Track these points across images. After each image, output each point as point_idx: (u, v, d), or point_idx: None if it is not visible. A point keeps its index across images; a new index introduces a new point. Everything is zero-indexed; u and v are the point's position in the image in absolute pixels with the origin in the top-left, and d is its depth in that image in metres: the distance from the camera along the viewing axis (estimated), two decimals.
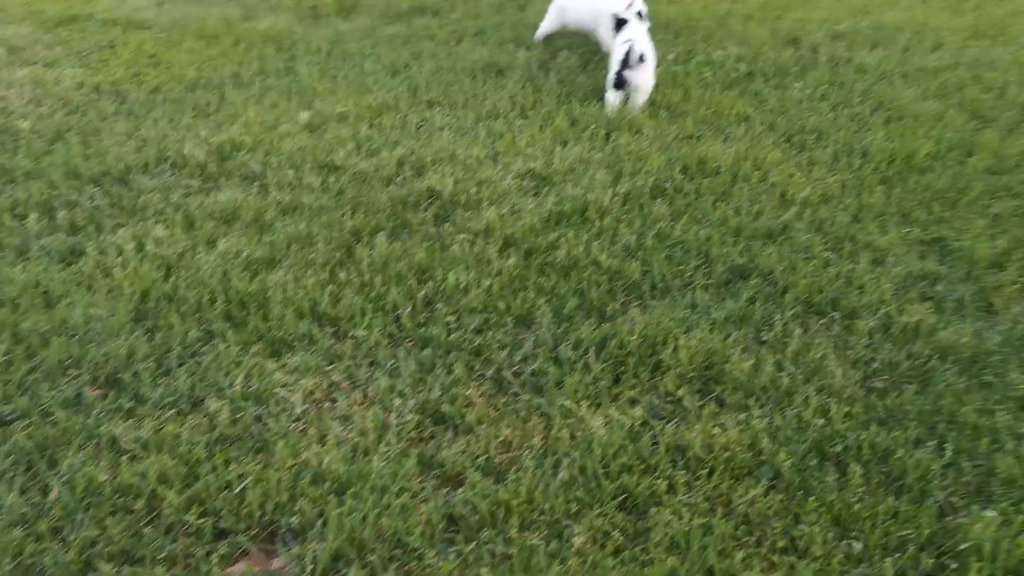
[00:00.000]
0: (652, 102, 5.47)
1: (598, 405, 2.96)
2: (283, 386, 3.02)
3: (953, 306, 3.48)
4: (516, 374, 3.13)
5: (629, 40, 5.24)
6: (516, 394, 3.03)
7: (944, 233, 3.95)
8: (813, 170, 4.57)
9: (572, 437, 2.80)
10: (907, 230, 4.01)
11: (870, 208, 4.18)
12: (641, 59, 5.21)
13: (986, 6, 7.08)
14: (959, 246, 3.83)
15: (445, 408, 2.92)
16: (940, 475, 2.65)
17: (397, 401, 2.96)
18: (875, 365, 3.18)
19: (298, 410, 2.92)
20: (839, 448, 2.75)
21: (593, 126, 5.12)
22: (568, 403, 2.93)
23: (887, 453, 2.74)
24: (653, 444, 2.77)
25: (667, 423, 2.88)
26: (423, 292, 3.52)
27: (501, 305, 3.42)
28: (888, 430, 2.83)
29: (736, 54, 6.39)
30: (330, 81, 5.99)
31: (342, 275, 3.63)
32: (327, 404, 2.97)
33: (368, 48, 6.80)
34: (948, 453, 2.73)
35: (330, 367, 3.14)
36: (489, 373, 3.12)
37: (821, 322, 3.43)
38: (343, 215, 4.13)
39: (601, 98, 5.54)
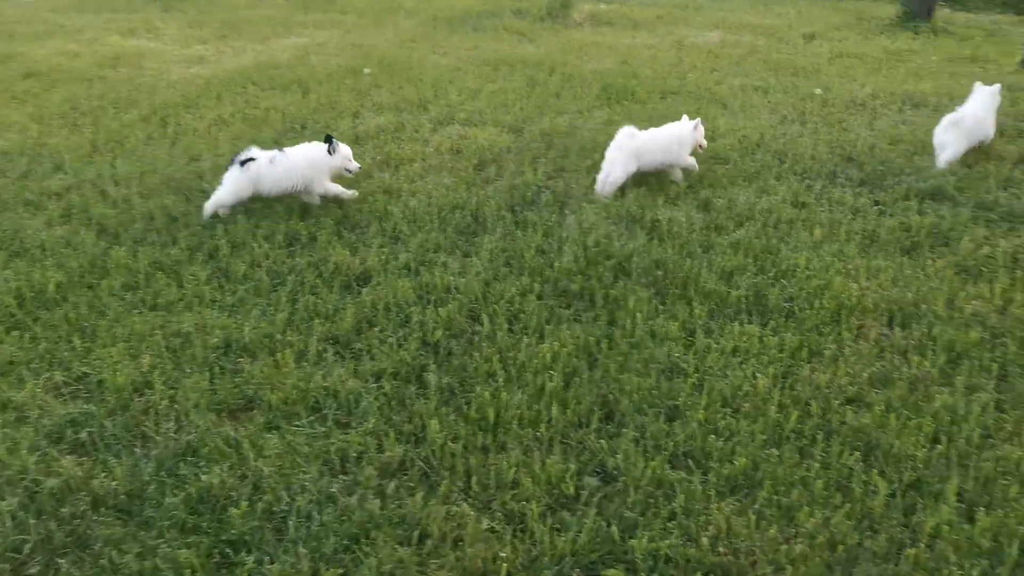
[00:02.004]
0: None
1: None
2: None
3: (105, 446, 3.29)
4: None
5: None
6: None
7: (87, 368, 3.75)
8: None
9: None
10: (48, 375, 3.69)
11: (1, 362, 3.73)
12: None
13: (103, 120, 7.24)
14: (104, 378, 3.66)
15: None
16: None
17: None
18: (27, 548, 2.77)
19: None
20: None
21: None
22: None
23: None
24: None
25: None
26: None
27: None
28: None
29: None
30: None
31: None
32: None
33: None
34: None
35: None
36: None
37: None
38: None
39: None
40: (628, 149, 6.08)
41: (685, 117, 6.40)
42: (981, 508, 2.98)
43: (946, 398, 3.60)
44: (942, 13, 15.61)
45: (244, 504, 2.98)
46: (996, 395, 3.65)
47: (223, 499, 3.03)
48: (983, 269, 4.81)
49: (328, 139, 5.57)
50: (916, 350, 4.01)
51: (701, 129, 6.35)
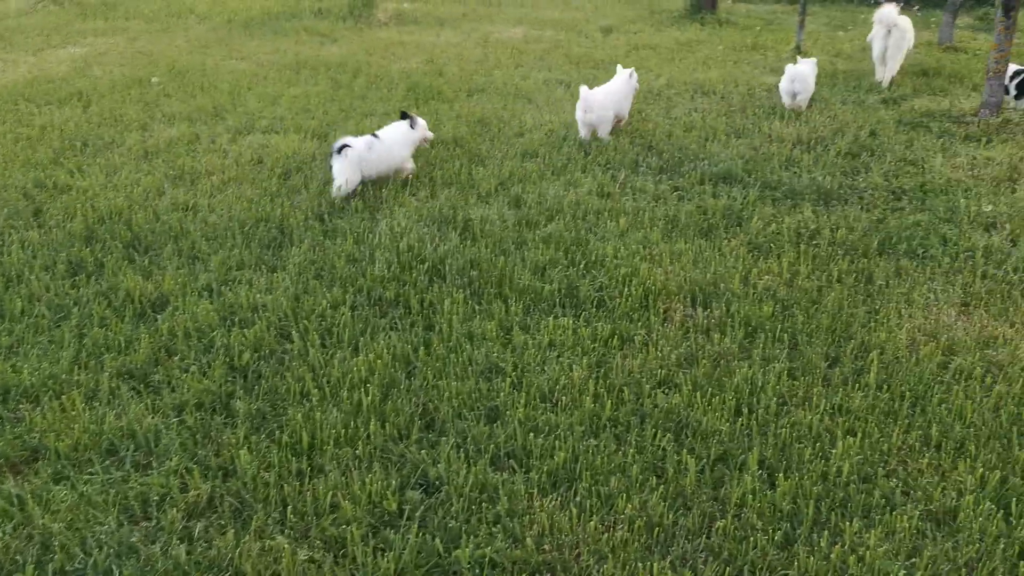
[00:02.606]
0: None
1: None
2: None
3: None
4: None
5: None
6: None
7: None
8: None
9: None
10: None
11: None
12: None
13: None
14: None
15: None
16: None
17: None
18: None
19: None
20: None
21: None
22: None
23: None
24: None
25: None
26: None
27: None
28: None
29: None
30: None
31: None
32: None
33: None
34: None
35: None
36: None
37: None
38: None
39: None
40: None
41: (619, 67, 7.44)
42: (780, 473, 3.17)
43: (745, 371, 3.81)
44: (725, 4, 16.69)
45: (31, 568, 2.69)
46: (788, 364, 3.90)
47: (7, 565, 2.72)
48: (772, 245, 5.14)
49: (405, 115, 6.20)
50: (717, 327, 4.22)
51: (636, 76, 7.46)
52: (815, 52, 11.58)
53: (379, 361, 3.82)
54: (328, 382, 3.72)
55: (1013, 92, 8.36)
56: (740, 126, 7.69)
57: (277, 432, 3.40)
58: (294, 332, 4.09)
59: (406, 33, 12.24)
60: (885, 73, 9.38)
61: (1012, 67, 8.31)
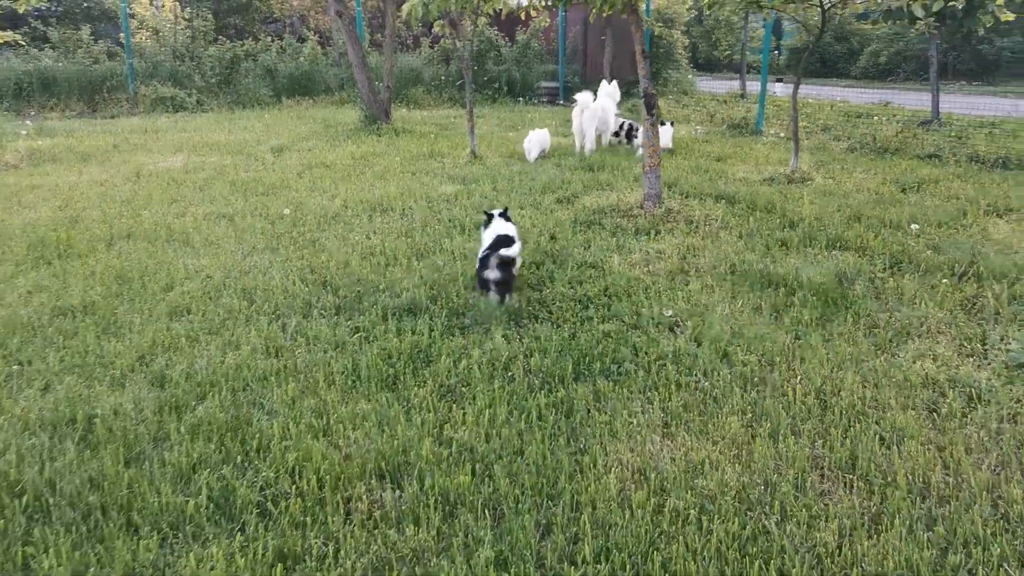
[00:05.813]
0: None
1: None
2: None
3: None
4: None
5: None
6: None
7: None
8: None
9: None
10: None
11: None
12: None
13: None
14: None
15: None
16: None
17: None
18: None
19: None
20: None
21: None
22: None
23: None
24: None
25: None
26: None
27: None
28: None
29: None
30: None
31: None
32: None
33: None
34: None
35: None
36: None
37: None
38: None
39: None
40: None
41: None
42: None
43: (446, 569, 3.10)
44: (399, 113, 16.76)
45: None
46: (495, 548, 3.25)
47: None
48: (464, 387, 4.58)
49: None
50: (410, 514, 3.49)
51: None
52: (489, 156, 11.72)
53: None
54: None
55: (625, 140, 12.60)
56: (422, 245, 7.24)
57: None
58: None
59: (40, 175, 10.61)
60: (582, 143, 12.17)
61: (620, 120, 12.77)
